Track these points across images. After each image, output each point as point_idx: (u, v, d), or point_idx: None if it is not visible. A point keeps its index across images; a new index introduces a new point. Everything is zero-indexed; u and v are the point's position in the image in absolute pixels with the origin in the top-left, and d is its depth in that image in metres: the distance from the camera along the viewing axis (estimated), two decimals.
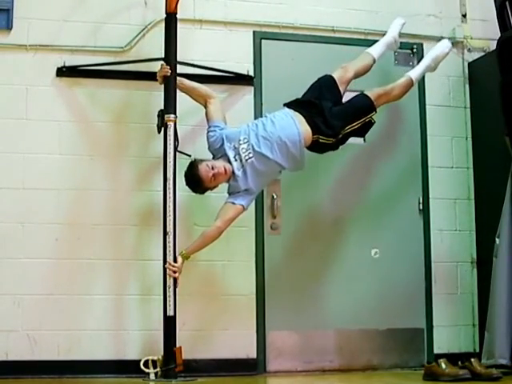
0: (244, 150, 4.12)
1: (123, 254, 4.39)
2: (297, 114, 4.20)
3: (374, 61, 4.55)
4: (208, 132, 4.23)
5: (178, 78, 4.22)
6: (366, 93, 4.36)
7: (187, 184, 4.14)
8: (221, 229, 4.08)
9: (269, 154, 4.11)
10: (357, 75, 4.46)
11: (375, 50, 4.56)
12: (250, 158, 4.11)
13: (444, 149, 4.94)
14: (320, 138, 4.17)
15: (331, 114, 4.19)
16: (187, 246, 4.13)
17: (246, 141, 4.14)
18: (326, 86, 4.34)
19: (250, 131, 4.16)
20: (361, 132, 4.35)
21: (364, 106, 4.28)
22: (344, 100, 4.38)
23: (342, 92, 4.36)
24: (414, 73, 4.51)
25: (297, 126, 4.15)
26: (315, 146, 4.23)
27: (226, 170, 4.09)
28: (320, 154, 4.35)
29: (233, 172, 4.12)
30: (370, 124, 4.32)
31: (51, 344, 4.23)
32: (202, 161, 4.12)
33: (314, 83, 4.38)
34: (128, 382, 4.14)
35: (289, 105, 4.29)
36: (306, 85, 4.42)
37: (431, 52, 4.64)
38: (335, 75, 4.37)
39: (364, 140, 4.76)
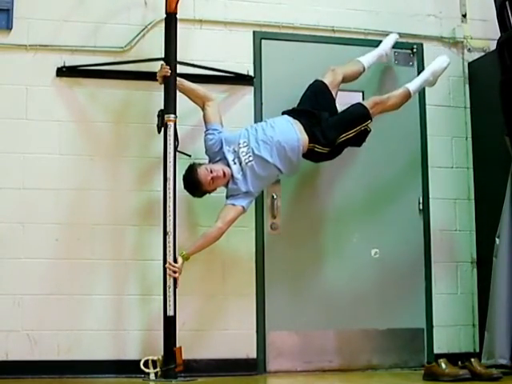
0: (244, 154, 4.15)
1: (123, 254, 4.39)
2: (296, 121, 4.24)
3: (364, 69, 4.57)
4: (206, 135, 4.26)
5: (177, 78, 4.23)
6: (362, 102, 4.38)
7: (186, 188, 4.16)
8: (222, 229, 4.09)
9: (268, 158, 4.13)
10: (345, 79, 4.48)
11: (366, 60, 4.60)
12: (250, 161, 4.14)
13: (444, 149, 4.94)
14: (316, 146, 4.21)
15: (328, 124, 4.22)
16: (187, 246, 4.14)
17: (245, 144, 4.17)
18: (320, 94, 4.37)
19: (250, 135, 4.19)
20: (357, 141, 4.35)
21: (360, 115, 4.29)
22: (340, 107, 4.42)
23: (334, 95, 4.38)
24: (412, 85, 4.52)
25: (296, 133, 4.18)
26: (311, 154, 4.26)
27: (224, 173, 4.11)
28: (315, 162, 4.41)
29: (232, 175, 4.14)
30: (366, 132, 4.32)
31: (51, 344, 4.23)
32: (200, 164, 4.15)
33: (307, 92, 4.40)
34: (128, 382, 4.14)
35: (287, 113, 4.32)
36: (306, 85, 4.43)
37: (430, 66, 4.65)
38: (326, 80, 4.40)
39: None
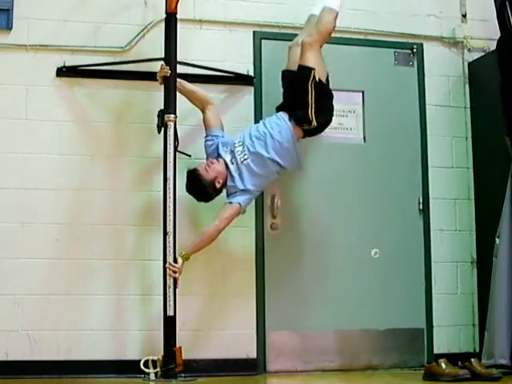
0: (239, 153, 4.19)
1: (123, 254, 4.39)
2: (284, 112, 4.27)
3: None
4: (206, 141, 4.30)
5: (178, 79, 4.23)
6: (300, 63, 4.26)
7: (190, 188, 4.15)
8: (218, 227, 4.10)
9: (264, 153, 4.16)
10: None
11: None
12: (245, 159, 4.17)
13: (444, 149, 4.94)
14: (303, 126, 4.22)
15: (293, 104, 4.25)
16: (187, 246, 4.13)
17: (240, 144, 4.21)
18: (287, 84, 4.39)
19: (245, 135, 4.24)
20: (326, 97, 4.27)
21: (300, 74, 4.21)
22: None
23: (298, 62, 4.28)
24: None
25: (286, 122, 4.21)
26: (306, 133, 4.28)
27: (217, 160, 4.17)
28: (320, 133, 4.38)
29: (230, 173, 4.16)
30: (321, 83, 4.21)
31: (51, 344, 4.22)
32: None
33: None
34: (128, 382, 4.14)
35: (278, 108, 4.36)
36: None
37: None
38: (292, 58, 4.38)
39: (364, 140, 4.77)
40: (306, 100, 4.17)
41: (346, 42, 4.81)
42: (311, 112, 4.17)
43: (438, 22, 5.04)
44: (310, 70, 4.18)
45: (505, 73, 4.46)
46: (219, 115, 4.36)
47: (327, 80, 4.30)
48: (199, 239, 4.15)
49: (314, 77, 4.17)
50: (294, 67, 4.29)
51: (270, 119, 4.28)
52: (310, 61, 4.19)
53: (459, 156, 4.95)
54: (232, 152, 4.20)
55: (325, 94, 4.26)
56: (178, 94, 4.22)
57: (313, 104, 4.17)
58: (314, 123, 4.19)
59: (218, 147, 4.25)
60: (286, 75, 4.41)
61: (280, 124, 4.21)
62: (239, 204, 4.13)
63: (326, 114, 4.27)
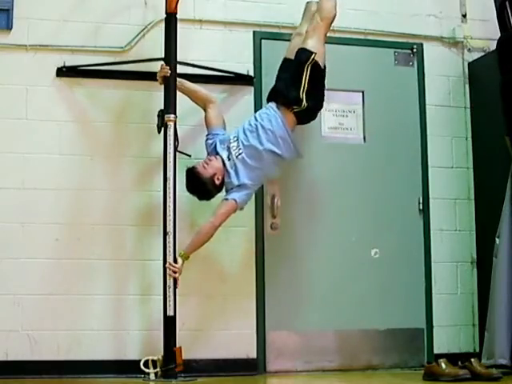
0: (234, 148, 4.19)
1: (123, 254, 4.39)
2: (271, 102, 4.29)
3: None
4: (207, 139, 4.30)
5: (178, 79, 4.23)
6: (301, 46, 4.29)
7: (191, 187, 4.14)
8: (214, 224, 4.09)
9: (258, 145, 4.16)
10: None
11: None
12: (240, 154, 4.17)
13: (444, 149, 4.94)
14: (294, 108, 4.21)
15: (286, 85, 4.24)
16: (186, 246, 4.13)
17: (235, 139, 4.21)
18: (281, 71, 4.40)
19: (239, 130, 4.25)
20: (319, 81, 4.29)
21: (300, 56, 4.24)
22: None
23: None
24: None
25: (275, 110, 4.22)
26: (299, 118, 4.26)
27: (215, 156, 4.17)
28: (313, 120, 4.38)
29: (227, 170, 4.16)
30: (320, 68, 4.24)
31: (51, 344, 4.22)
32: None
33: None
34: (128, 381, 4.14)
35: (268, 98, 4.37)
36: None
37: None
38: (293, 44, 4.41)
39: (364, 140, 4.77)
40: (299, 80, 4.18)
41: (346, 42, 4.82)
42: (303, 92, 4.17)
43: (438, 22, 5.04)
44: (310, 53, 4.20)
45: (505, 73, 4.46)
46: (221, 113, 4.36)
47: (324, 70, 4.29)
48: (196, 237, 4.14)
49: (313, 59, 4.19)
50: (293, 56, 4.30)
51: (261, 111, 4.30)
52: (312, 45, 4.22)
53: (459, 156, 4.95)
54: (228, 148, 4.20)
55: (319, 79, 4.27)
56: (178, 93, 4.22)
57: (306, 85, 4.18)
58: (304, 104, 4.18)
59: (216, 145, 4.25)
60: (286, 61, 4.40)
61: (269, 113, 4.22)
62: (235, 200, 4.11)
63: (316, 99, 4.27)
